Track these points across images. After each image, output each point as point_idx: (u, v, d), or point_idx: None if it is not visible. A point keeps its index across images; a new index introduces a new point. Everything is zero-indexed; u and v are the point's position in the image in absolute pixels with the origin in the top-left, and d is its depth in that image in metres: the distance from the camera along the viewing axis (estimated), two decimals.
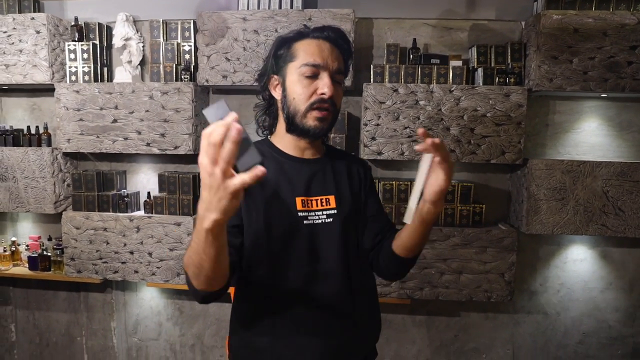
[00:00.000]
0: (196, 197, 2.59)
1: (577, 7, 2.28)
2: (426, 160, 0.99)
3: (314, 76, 1.13)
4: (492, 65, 2.40)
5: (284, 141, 1.24)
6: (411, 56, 2.42)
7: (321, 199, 1.19)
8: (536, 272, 2.61)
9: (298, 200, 1.17)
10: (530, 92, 2.35)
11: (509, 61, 2.38)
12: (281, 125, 1.24)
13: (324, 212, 1.19)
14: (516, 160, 2.34)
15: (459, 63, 2.40)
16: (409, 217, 1.02)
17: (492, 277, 2.40)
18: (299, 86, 1.14)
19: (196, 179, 2.59)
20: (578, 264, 2.58)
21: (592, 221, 2.31)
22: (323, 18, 2.34)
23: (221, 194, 0.71)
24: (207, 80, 2.46)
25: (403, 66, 2.38)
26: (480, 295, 2.42)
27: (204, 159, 0.70)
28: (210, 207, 0.74)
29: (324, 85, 1.12)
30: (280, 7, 2.44)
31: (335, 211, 1.20)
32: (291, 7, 2.43)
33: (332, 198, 1.20)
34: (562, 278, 2.60)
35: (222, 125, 0.69)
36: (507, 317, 2.66)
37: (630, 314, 2.59)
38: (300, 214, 1.17)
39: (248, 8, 2.47)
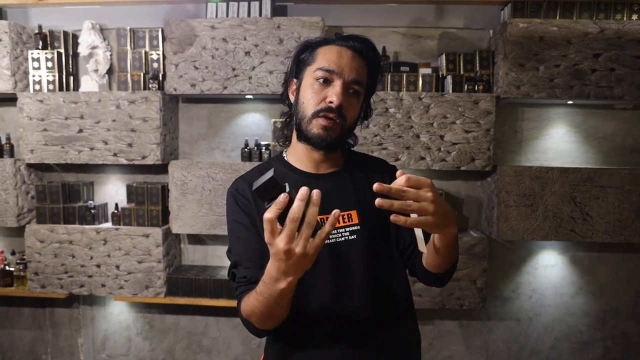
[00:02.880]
0: (165, 207, 2.54)
1: (542, 16, 2.31)
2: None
3: (327, 82, 1.07)
4: (461, 72, 2.42)
5: (297, 153, 1.16)
6: (381, 64, 2.42)
7: (342, 216, 1.10)
8: (508, 278, 2.62)
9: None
10: (499, 99, 2.37)
11: (477, 69, 2.41)
12: (295, 133, 1.16)
13: (347, 229, 1.11)
14: (486, 166, 2.35)
15: (428, 71, 2.42)
16: (422, 246, 0.97)
17: (464, 285, 2.40)
18: (310, 91, 1.08)
19: (165, 189, 2.54)
20: (549, 269, 2.60)
21: (561, 227, 2.33)
22: (292, 26, 2.33)
23: (301, 263, 0.80)
24: (175, 89, 2.42)
25: None
26: (452, 303, 2.42)
27: (281, 242, 0.78)
28: (288, 272, 0.82)
29: (333, 93, 1.05)
30: (249, 15, 2.43)
31: (359, 227, 1.12)
32: (260, 15, 2.41)
33: (354, 213, 1.12)
34: (534, 284, 2.61)
35: (300, 200, 0.76)
36: (480, 324, 2.66)
37: (600, 318, 2.61)
38: None
39: (216, 16, 2.44)
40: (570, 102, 2.43)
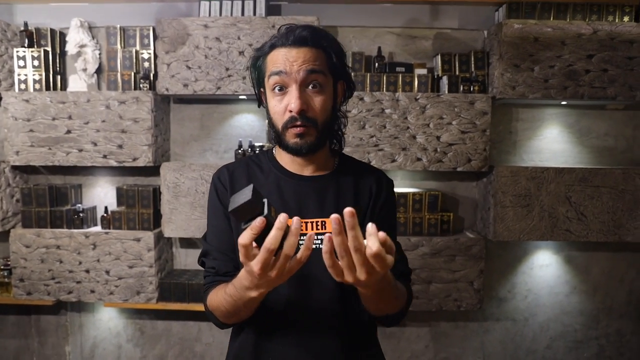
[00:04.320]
0: (157, 211, 2.48)
1: (537, 17, 2.32)
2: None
3: (283, 90, 1.04)
4: (457, 73, 2.41)
5: (282, 155, 1.15)
6: (376, 64, 2.41)
7: (316, 222, 1.07)
8: (504, 278, 2.62)
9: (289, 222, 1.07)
10: (494, 100, 2.37)
11: (472, 69, 2.41)
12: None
13: (318, 237, 1.06)
14: (482, 167, 2.35)
15: (424, 71, 2.41)
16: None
17: (461, 286, 2.39)
18: (272, 102, 1.06)
19: (156, 192, 2.48)
20: (544, 269, 2.61)
21: (556, 227, 2.34)
22: None
23: (275, 282, 0.80)
24: (167, 89, 2.37)
25: (368, 74, 2.36)
26: (450, 305, 2.40)
27: (256, 266, 0.76)
28: (261, 286, 0.83)
29: (289, 100, 1.02)
30: (243, 14, 2.39)
31: None
32: (254, 14, 2.38)
33: (328, 221, 1.06)
34: (529, 284, 2.62)
35: (278, 229, 0.74)
36: (477, 325, 2.65)
37: (595, 317, 2.63)
38: None
39: (209, 15, 2.40)
40: (563, 102, 2.44)
